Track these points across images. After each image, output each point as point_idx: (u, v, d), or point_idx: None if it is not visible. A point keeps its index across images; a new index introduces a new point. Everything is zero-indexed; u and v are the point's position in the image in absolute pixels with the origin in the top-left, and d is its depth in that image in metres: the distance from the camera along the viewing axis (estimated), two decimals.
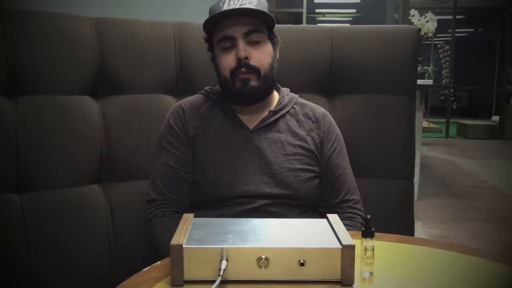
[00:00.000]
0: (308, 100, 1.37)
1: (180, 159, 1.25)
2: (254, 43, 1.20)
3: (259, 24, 1.21)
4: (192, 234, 0.87)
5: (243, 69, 1.19)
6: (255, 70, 1.20)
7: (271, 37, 1.25)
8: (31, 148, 1.29)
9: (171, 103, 1.47)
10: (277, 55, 1.28)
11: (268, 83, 1.24)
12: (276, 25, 1.27)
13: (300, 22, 7.31)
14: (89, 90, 1.41)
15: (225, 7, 1.18)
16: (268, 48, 1.24)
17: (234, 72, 1.20)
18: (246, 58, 1.19)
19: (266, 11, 1.21)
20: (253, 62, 1.20)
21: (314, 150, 1.27)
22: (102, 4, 2.06)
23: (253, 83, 1.20)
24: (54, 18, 1.35)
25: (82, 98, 1.39)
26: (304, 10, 6.10)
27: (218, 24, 1.21)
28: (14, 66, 1.28)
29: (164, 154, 1.27)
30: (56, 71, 1.34)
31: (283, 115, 1.28)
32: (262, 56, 1.21)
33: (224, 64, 1.22)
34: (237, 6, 1.17)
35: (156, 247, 1.22)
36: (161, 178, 1.26)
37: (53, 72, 1.33)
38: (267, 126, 1.26)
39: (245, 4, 1.18)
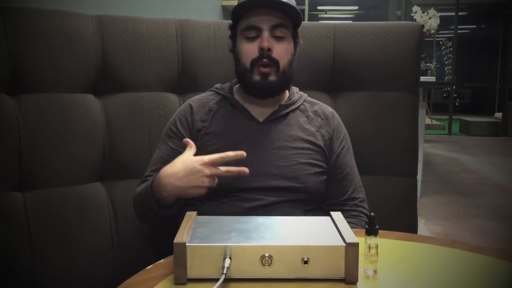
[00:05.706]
0: (311, 97, 1.37)
1: (181, 144, 1.20)
2: (278, 38, 1.21)
3: (286, 19, 1.22)
4: (195, 232, 0.86)
5: (264, 60, 1.19)
6: (275, 63, 1.20)
7: (294, 36, 1.26)
8: (34, 146, 1.28)
9: (174, 101, 1.47)
10: (296, 55, 1.28)
11: (285, 79, 1.24)
12: None
13: None
14: (91, 88, 1.41)
15: None
16: (290, 45, 1.24)
17: (255, 62, 1.20)
18: (269, 49, 1.19)
19: (296, 7, 1.22)
20: (275, 55, 1.20)
21: (323, 147, 1.27)
22: (103, 2, 2.06)
23: (272, 77, 1.21)
24: (56, 16, 1.35)
25: (84, 96, 1.39)
26: (306, 7, 6.07)
27: (246, 13, 1.21)
28: (16, 64, 1.28)
29: (164, 142, 1.27)
30: (58, 69, 1.34)
31: (294, 110, 1.29)
32: (284, 51, 1.22)
33: (246, 52, 1.22)
34: None
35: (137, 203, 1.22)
36: (157, 161, 1.24)
37: (55, 70, 1.33)
38: (278, 119, 1.26)
39: None
